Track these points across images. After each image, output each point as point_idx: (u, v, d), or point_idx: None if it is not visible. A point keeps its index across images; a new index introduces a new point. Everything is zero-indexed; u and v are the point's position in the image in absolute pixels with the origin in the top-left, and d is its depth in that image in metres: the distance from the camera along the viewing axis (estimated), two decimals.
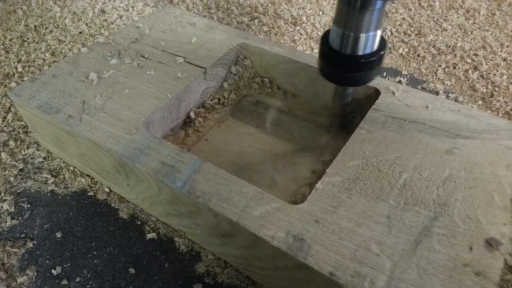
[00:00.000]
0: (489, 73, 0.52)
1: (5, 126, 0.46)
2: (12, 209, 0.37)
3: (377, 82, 0.38)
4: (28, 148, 0.43)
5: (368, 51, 0.28)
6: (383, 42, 0.30)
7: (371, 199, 0.28)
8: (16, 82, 0.52)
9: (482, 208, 0.27)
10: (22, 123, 0.46)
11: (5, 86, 0.51)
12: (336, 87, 0.34)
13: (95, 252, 0.34)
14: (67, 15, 0.66)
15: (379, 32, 0.28)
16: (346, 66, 0.29)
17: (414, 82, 0.51)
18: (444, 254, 0.25)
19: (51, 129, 0.38)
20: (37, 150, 0.43)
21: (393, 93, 0.37)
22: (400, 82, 0.51)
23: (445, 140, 0.32)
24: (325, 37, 0.30)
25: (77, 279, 0.32)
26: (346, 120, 0.41)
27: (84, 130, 0.34)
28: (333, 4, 0.69)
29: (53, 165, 0.41)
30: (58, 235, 0.35)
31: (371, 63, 0.29)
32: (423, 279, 0.24)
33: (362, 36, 0.27)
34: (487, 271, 0.24)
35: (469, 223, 0.27)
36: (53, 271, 0.33)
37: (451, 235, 0.26)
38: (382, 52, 0.29)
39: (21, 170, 0.41)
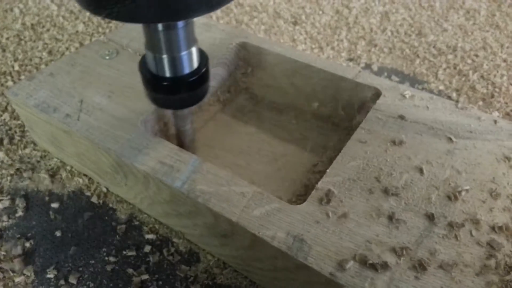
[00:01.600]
0: (489, 74, 0.52)
1: (2, 125, 0.45)
2: (9, 209, 0.37)
3: (378, 82, 0.38)
4: (25, 147, 0.43)
5: (184, 71, 0.28)
6: (203, 59, 0.29)
7: (372, 199, 0.28)
8: (12, 81, 0.52)
9: (483, 208, 0.27)
10: (19, 122, 0.46)
11: (2, 85, 0.51)
12: (172, 111, 0.33)
13: (93, 253, 0.34)
14: (64, 13, 0.66)
15: (194, 50, 0.27)
16: (165, 89, 0.28)
17: (414, 82, 0.51)
18: (445, 255, 0.25)
19: (49, 128, 0.37)
20: (34, 149, 0.43)
21: (394, 93, 0.37)
22: (400, 82, 0.51)
23: (446, 140, 0.32)
24: (142, 61, 0.29)
25: (74, 280, 0.32)
26: (348, 120, 0.41)
27: (82, 129, 0.34)
28: (333, 3, 0.69)
29: (50, 165, 0.41)
30: (56, 234, 0.35)
31: (191, 83, 0.28)
32: (424, 279, 0.24)
33: (173, 57, 0.27)
34: (487, 271, 0.24)
35: (470, 223, 0.26)
36: (50, 271, 0.32)
37: (453, 234, 0.26)
38: (203, 70, 0.28)
39: (17, 169, 0.40)
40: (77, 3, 0.21)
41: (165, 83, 0.28)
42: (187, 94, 0.29)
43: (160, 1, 0.20)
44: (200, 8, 0.21)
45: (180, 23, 0.25)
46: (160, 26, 0.25)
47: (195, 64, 0.28)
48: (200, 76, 0.28)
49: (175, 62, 0.27)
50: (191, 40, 0.27)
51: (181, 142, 0.35)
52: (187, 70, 0.28)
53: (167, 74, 0.28)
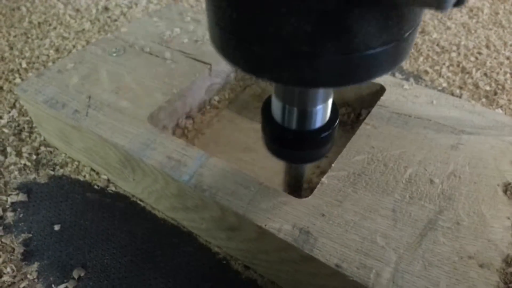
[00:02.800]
0: (492, 72, 0.52)
1: (10, 121, 0.46)
2: (17, 204, 0.38)
3: (382, 79, 0.38)
4: (33, 143, 0.43)
5: (316, 125, 0.24)
6: (334, 113, 0.25)
7: (377, 193, 0.28)
8: (20, 78, 0.52)
9: (486, 202, 0.28)
10: (27, 118, 0.46)
11: (10, 82, 0.52)
12: (286, 164, 0.30)
13: (101, 245, 0.34)
14: (71, 12, 0.66)
15: (329, 103, 0.24)
16: (293, 144, 0.25)
17: (418, 79, 0.52)
18: (449, 247, 0.25)
19: (57, 124, 0.38)
20: (42, 145, 0.43)
21: (398, 89, 0.37)
22: (404, 79, 0.51)
23: (450, 135, 0.32)
24: (267, 108, 0.26)
25: (83, 273, 0.32)
26: (353, 116, 0.41)
27: (91, 125, 0.34)
28: None
29: (58, 160, 0.42)
30: (63, 229, 0.36)
31: (322, 139, 0.25)
32: (428, 271, 0.24)
33: (308, 110, 0.23)
34: (491, 263, 0.24)
35: (473, 217, 0.27)
36: (58, 264, 0.33)
37: (456, 228, 0.26)
38: (334, 125, 0.25)
39: (25, 165, 0.41)
40: (232, 64, 0.19)
41: (293, 137, 0.25)
42: (315, 150, 0.26)
43: (343, 68, 0.17)
44: (382, 70, 0.18)
45: None
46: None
47: (327, 118, 0.25)
48: (331, 133, 0.25)
49: (311, 116, 0.24)
50: (330, 93, 0.24)
51: (290, 186, 0.32)
52: (319, 124, 0.25)
53: (300, 127, 0.24)
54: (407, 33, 0.17)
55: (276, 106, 0.24)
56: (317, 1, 0.15)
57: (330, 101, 0.24)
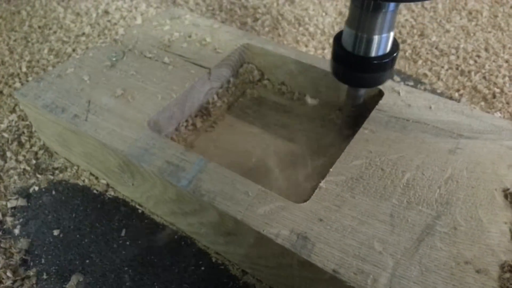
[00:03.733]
0: (491, 75, 0.52)
1: (10, 125, 0.46)
2: (16, 208, 0.38)
3: None
4: (32, 147, 0.44)
5: (381, 52, 0.29)
6: (395, 44, 0.30)
7: (374, 198, 0.28)
8: (20, 82, 0.53)
9: (484, 207, 0.28)
10: (27, 123, 0.46)
11: (10, 86, 0.52)
12: (348, 88, 0.34)
13: (100, 250, 0.34)
14: (71, 16, 0.67)
15: (391, 34, 0.29)
16: (359, 67, 0.30)
17: (417, 83, 0.52)
18: (446, 252, 0.25)
19: (57, 128, 0.38)
20: (42, 149, 0.43)
21: (397, 93, 0.37)
22: (403, 82, 0.52)
23: (448, 140, 0.33)
24: (338, 38, 0.31)
25: (82, 278, 0.32)
26: (353, 120, 0.41)
27: (90, 130, 0.34)
28: (336, 5, 0.69)
29: (57, 165, 0.42)
30: (62, 234, 0.36)
31: (384, 64, 0.29)
32: (425, 276, 0.24)
33: (375, 37, 0.28)
34: (487, 268, 0.24)
35: (470, 222, 0.27)
36: (57, 269, 0.33)
37: (453, 233, 0.26)
38: (395, 54, 0.30)
39: (25, 169, 0.41)
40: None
41: (386, 60, 0.29)
42: (378, 74, 0.30)
43: None
44: None
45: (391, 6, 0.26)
46: (390, 6, 0.26)
47: (389, 48, 0.30)
48: (393, 59, 0.30)
49: (380, 42, 0.28)
50: (394, 24, 0.28)
51: (348, 118, 0.37)
52: (387, 50, 0.29)
53: (375, 53, 0.29)
54: None
55: (347, 34, 0.29)
56: None
57: (392, 34, 0.28)
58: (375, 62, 0.29)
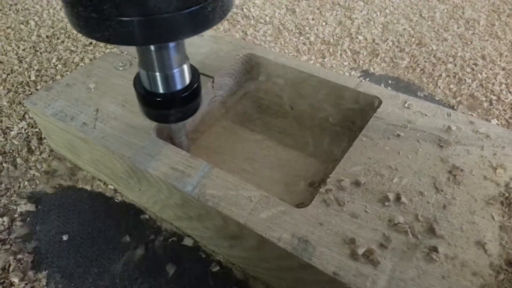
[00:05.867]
0: (488, 82, 0.53)
1: (20, 133, 0.47)
2: (26, 213, 0.39)
3: (379, 91, 0.39)
4: (41, 154, 0.45)
5: (178, 87, 0.29)
6: (194, 74, 0.30)
7: (373, 203, 0.29)
8: (29, 90, 0.54)
9: (479, 211, 0.29)
10: (36, 130, 0.48)
11: (19, 94, 0.53)
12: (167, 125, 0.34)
13: (109, 254, 0.35)
14: None
15: (185, 67, 0.29)
16: (159, 105, 0.30)
17: (415, 90, 0.53)
18: (443, 255, 0.26)
19: (66, 136, 0.39)
20: (51, 156, 0.45)
21: (395, 101, 0.38)
22: (401, 91, 0.53)
23: (444, 147, 0.34)
24: (137, 80, 0.31)
25: (90, 280, 0.33)
26: (349, 128, 0.43)
27: (98, 137, 0.36)
28: (336, 14, 0.71)
29: (66, 171, 0.43)
30: (71, 238, 0.37)
31: (184, 98, 0.30)
32: (422, 279, 0.25)
33: (164, 74, 0.28)
34: (483, 271, 0.25)
35: (466, 226, 0.28)
36: (66, 272, 0.34)
37: (449, 237, 0.27)
38: (195, 85, 0.30)
39: (34, 175, 0.43)
40: (72, 27, 0.23)
41: (159, 99, 0.29)
42: (180, 109, 0.31)
43: (147, 26, 0.21)
44: (187, 32, 0.22)
45: (171, 44, 0.27)
46: (152, 47, 0.26)
47: (187, 80, 0.30)
48: (192, 91, 0.30)
49: (167, 79, 0.29)
50: (183, 58, 0.29)
51: None
52: (179, 86, 0.29)
53: (161, 90, 0.29)
54: (201, 4, 0.21)
55: (142, 75, 0.29)
56: None
57: (185, 66, 0.29)
58: (174, 97, 0.29)
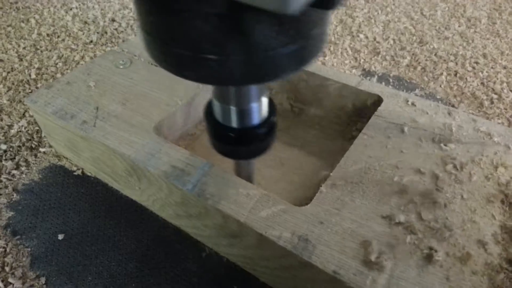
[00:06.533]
0: (489, 81, 0.53)
1: (20, 131, 0.47)
2: (25, 211, 0.39)
3: (380, 89, 0.39)
4: (42, 152, 0.45)
5: (254, 123, 0.26)
6: (271, 109, 0.27)
7: (373, 201, 0.29)
8: (30, 89, 0.54)
9: (480, 210, 0.29)
10: (37, 128, 0.48)
11: (20, 92, 0.53)
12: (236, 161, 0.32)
13: (108, 252, 0.35)
14: (79, 24, 0.68)
15: (264, 100, 0.26)
16: (234, 140, 0.27)
17: (415, 89, 0.53)
18: (443, 254, 0.26)
19: (66, 134, 0.39)
20: (51, 154, 0.45)
21: (395, 100, 0.38)
22: (402, 89, 0.53)
23: (444, 145, 0.33)
24: (209, 110, 0.28)
25: (90, 279, 0.33)
26: (350, 127, 0.42)
27: (98, 135, 0.36)
28: (337, 13, 0.70)
29: (66, 169, 0.43)
30: (71, 236, 0.37)
31: (258, 135, 0.27)
32: (422, 277, 0.25)
33: (243, 109, 0.25)
34: (483, 270, 0.25)
35: (467, 225, 0.28)
36: (66, 270, 0.34)
37: (450, 235, 0.27)
38: (272, 119, 0.27)
39: (34, 173, 0.42)
40: (155, 61, 0.20)
41: (232, 134, 0.26)
42: (256, 145, 0.27)
43: (251, 65, 0.18)
44: (288, 70, 0.20)
45: None
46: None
47: (264, 115, 0.27)
48: (270, 126, 0.27)
49: (245, 114, 0.26)
50: (263, 91, 0.26)
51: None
52: (257, 121, 0.26)
53: (237, 125, 0.26)
54: (305, 39, 0.19)
55: (216, 107, 0.26)
56: (207, 5, 0.16)
57: (264, 99, 0.26)
58: (250, 132, 0.26)
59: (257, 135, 0.27)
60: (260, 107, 0.26)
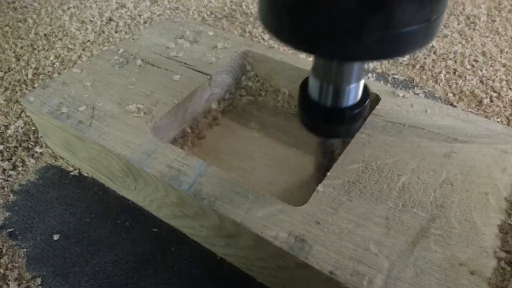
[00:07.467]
0: (488, 79, 0.53)
1: (16, 131, 0.47)
2: (21, 211, 0.39)
3: (377, 88, 0.39)
4: (38, 152, 0.45)
5: (350, 103, 0.28)
6: (366, 92, 0.29)
7: (371, 201, 0.29)
8: (27, 88, 0.54)
9: (478, 210, 0.28)
10: (33, 128, 0.48)
11: (16, 92, 0.53)
12: (319, 139, 0.33)
13: (104, 253, 0.35)
14: (76, 23, 0.68)
15: (361, 83, 0.28)
16: (327, 119, 0.29)
17: (414, 87, 0.52)
18: (441, 254, 0.26)
19: (62, 134, 0.39)
20: (47, 154, 0.44)
21: (393, 98, 0.38)
22: (400, 87, 0.52)
23: (443, 144, 0.33)
24: (304, 87, 0.29)
25: (86, 280, 0.33)
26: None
27: (94, 135, 0.35)
28: None
29: (62, 169, 0.43)
30: (67, 237, 0.37)
31: (354, 116, 0.28)
32: (420, 277, 0.25)
33: (344, 88, 0.27)
34: (481, 270, 0.25)
35: (465, 225, 0.27)
36: (62, 271, 0.34)
37: (448, 236, 0.27)
38: (366, 104, 0.29)
39: (30, 173, 0.42)
40: (280, 39, 0.21)
41: (327, 112, 0.28)
42: (348, 125, 0.29)
43: (385, 40, 0.19)
44: (420, 44, 0.21)
45: None
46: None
47: (359, 96, 0.29)
48: (363, 109, 0.29)
49: (345, 93, 0.27)
50: (362, 73, 0.27)
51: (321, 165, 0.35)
52: (357, 100, 0.28)
53: (343, 104, 0.28)
54: (435, 16, 0.21)
55: (313, 85, 0.28)
56: None
57: (362, 82, 0.28)
58: (345, 113, 0.28)
59: (353, 116, 0.29)
60: (357, 89, 0.28)
